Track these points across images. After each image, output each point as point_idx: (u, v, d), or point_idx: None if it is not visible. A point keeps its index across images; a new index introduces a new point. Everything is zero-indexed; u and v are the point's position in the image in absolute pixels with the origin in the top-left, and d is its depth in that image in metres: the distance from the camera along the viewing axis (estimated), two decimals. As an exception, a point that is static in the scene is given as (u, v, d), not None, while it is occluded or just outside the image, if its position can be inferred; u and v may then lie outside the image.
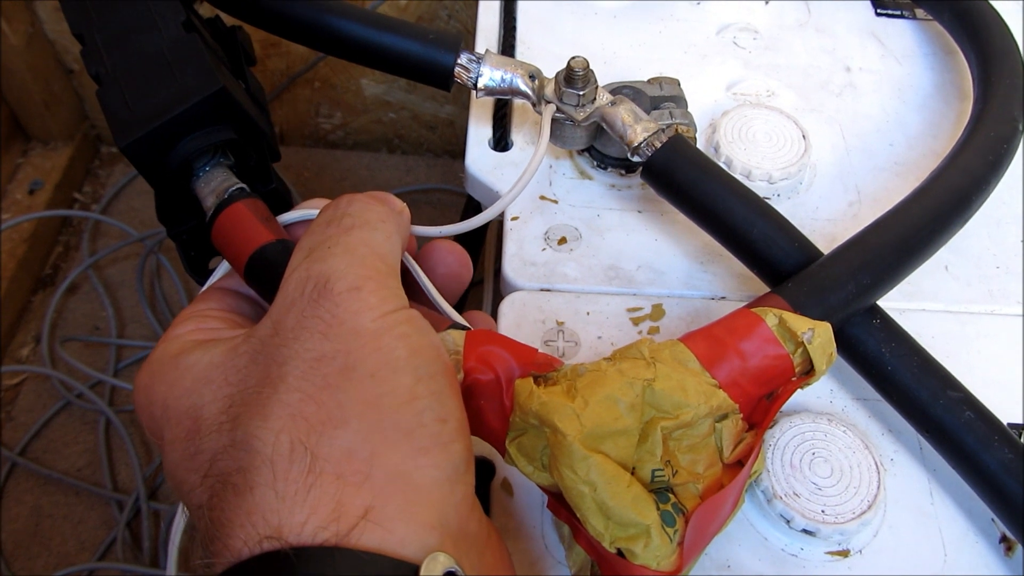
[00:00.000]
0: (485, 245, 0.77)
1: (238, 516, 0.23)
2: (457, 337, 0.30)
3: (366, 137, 1.09)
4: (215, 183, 0.38)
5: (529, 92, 0.42)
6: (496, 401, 0.29)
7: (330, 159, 1.09)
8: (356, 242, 0.28)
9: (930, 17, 0.56)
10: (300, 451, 0.24)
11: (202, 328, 0.30)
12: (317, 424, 0.24)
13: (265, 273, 0.34)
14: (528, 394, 0.28)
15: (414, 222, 0.34)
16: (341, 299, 0.26)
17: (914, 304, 0.42)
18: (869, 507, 0.34)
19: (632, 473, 0.29)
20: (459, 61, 0.42)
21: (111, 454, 0.98)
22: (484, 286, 0.82)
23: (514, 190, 0.38)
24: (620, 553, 0.28)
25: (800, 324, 0.31)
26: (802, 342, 0.31)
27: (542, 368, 0.30)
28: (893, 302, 0.41)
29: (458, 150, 1.11)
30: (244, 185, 0.37)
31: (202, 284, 0.42)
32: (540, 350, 0.31)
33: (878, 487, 0.34)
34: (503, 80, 0.42)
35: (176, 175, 0.38)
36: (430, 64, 0.42)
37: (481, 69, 0.42)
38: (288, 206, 0.43)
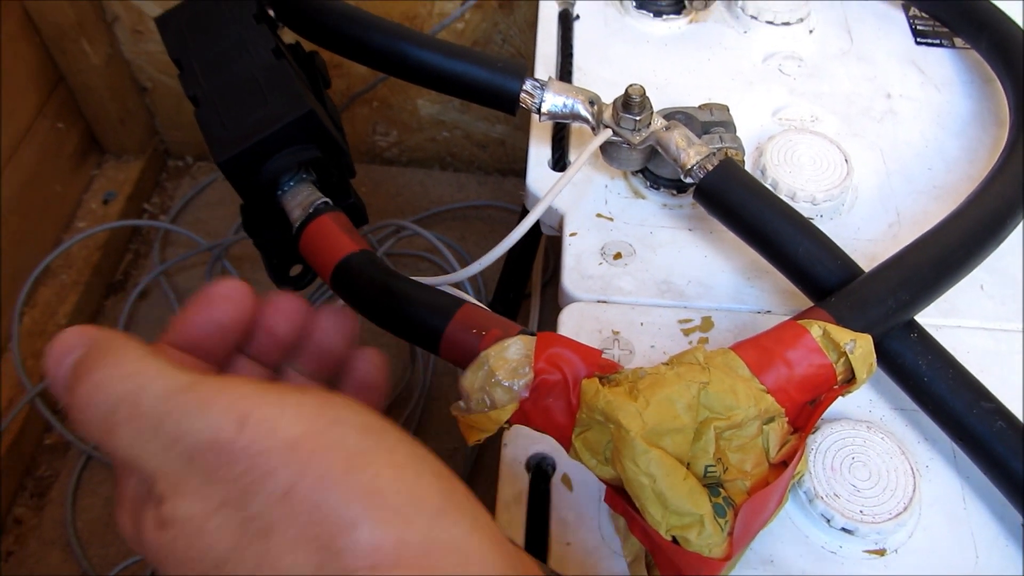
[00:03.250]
0: (535, 261, 0.80)
1: None
2: (526, 342, 0.32)
3: (420, 155, 1.13)
4: (301, 197, 0.41)
5: (589, 117, 0.45)
6: (563, 399, 0.32)
7: (385, 175, 1.13)
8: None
9: (968, 46, 0.58)
10: None
11: None
12: None
13: (350, 280, 0.37)
14: (594, 393, 0.31)
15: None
16: None
17: (951, 321, 0.44)
18: (905, 509, 0.36)
19: (687, 468, 0.31)
20: (524, 87, 0.45)
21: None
22: (531, 300, 0.85)
23: (541, 205, 0.43)
24: (675, 540, 0.30)
25: (843, 336, 0.34)
26: (844, 352, 0.34)
27: (605, 370, 0.32)
28: (930, 318, 0.43)
29: (507, 169, 1.14)
30: (328, 199, 0.41)
31: (282, 288, 0.46)
32: None
33: (914, 490, 0.37)
34: (565, 106, 0.45)
35: (265, 189, 0.41)
36: (497, 90, 0.45)
37: (544, 95, 0.45)
38: (364, 219, 0.46)
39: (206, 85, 0.43)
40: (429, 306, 0.35)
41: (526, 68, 0.46)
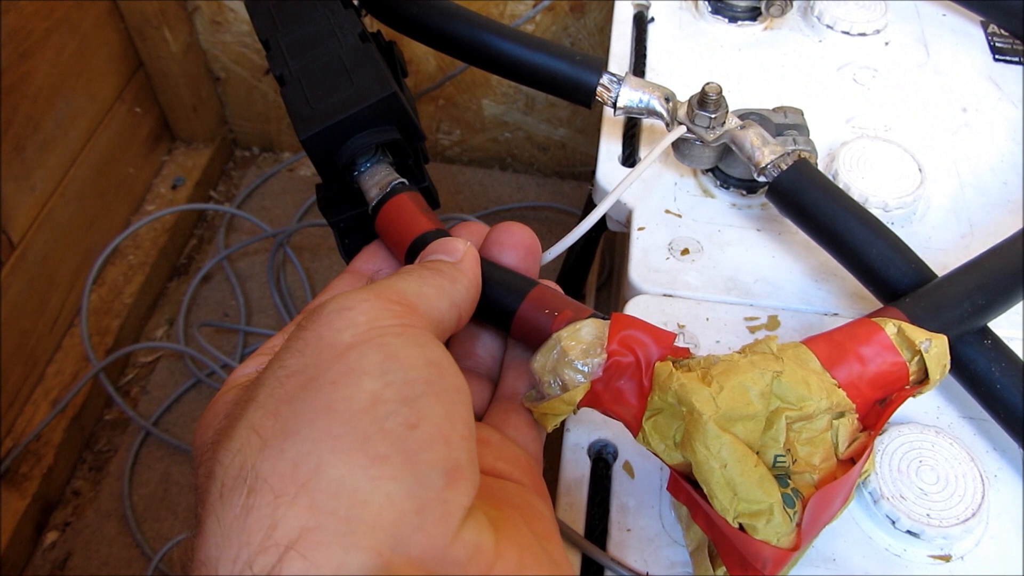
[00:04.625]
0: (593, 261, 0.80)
1: (196, 554, 0.22)
2: (599, 325, 0.33)
3: (481, 154, 1.14)
4: (379, 176, 0.41)
5: (664, 113, 0.46)
6: (636, 381, 0.32)
7: (447, 173, 1.14)
8: (381, 285, 0.28)
9: (1050, 63, 0.57)
10: (245, 470, 0.22)
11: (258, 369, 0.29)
12: (269, 438, 0.22)
13: (425, 259, 0.38)
14: (668, 375, 0.31)
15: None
16: (327, 318, 0.25)
17: (1020, 333, 0.43)
18: (973, 515, 0.36)
19: (757, 455, 0.31)
20: (602, 81, 0.46)
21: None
22: (584, 302, 0.85)
23: (613, 195, 0.43)
24: (742, 528, 0.30)
25: (918, 334, 0.34)
26: (919, 351, 0.33)
27: (678, 354, 0.32)
28: (1004, 330, 0.42)
29: (566, 172, 1.15)
30: (405, 180, 0.41)
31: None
32: None
33: (982, 497, 0.36)
34: (640, 101, 0.46)
35: (343, 168, 0.42)
36: (575, 83, 0.46)
37: (621, 90, 0.46)
38: (436, 204, 0.47)
39: (292, 65, 0.44)
40: (503, 285, 0.35)
41: (603, 63, 0.47)
